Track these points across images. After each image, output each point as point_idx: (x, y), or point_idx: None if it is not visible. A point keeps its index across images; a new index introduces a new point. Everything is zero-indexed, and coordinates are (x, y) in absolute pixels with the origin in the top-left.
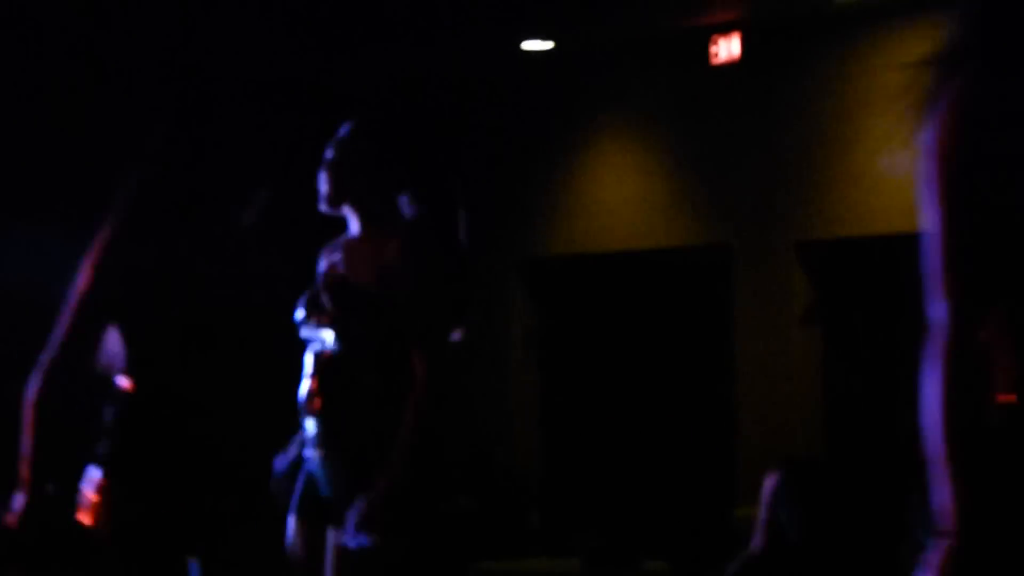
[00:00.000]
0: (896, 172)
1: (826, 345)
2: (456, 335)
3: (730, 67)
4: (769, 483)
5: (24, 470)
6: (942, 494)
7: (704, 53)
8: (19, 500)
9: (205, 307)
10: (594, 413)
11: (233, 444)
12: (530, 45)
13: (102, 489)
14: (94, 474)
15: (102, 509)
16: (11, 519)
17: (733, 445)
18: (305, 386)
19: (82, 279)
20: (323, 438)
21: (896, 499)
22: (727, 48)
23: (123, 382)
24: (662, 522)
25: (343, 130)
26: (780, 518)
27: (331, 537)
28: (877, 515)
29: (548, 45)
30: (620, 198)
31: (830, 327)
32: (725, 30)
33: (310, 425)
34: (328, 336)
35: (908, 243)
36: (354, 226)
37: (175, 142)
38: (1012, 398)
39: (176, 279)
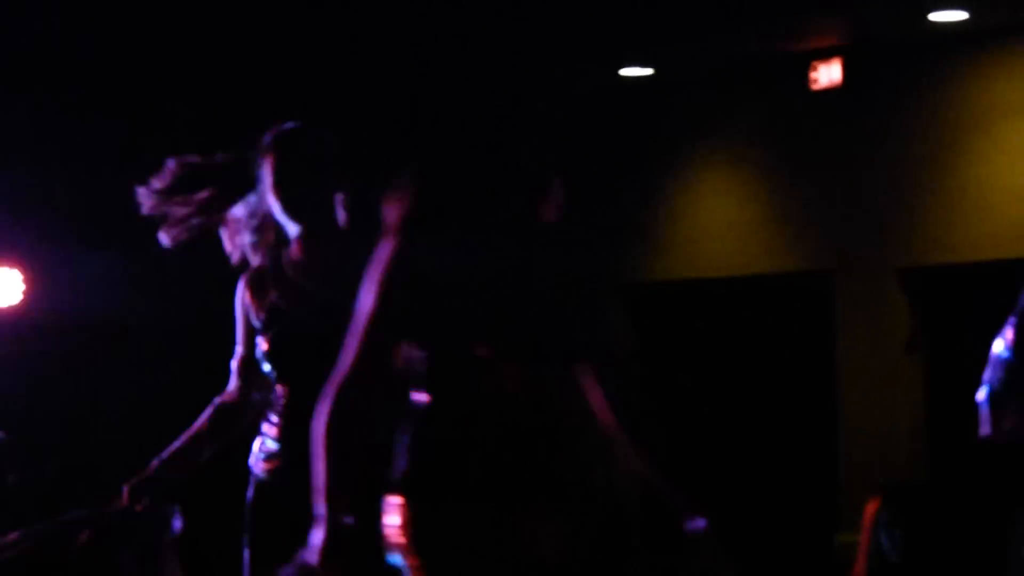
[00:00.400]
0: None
1: (931, 372)
2: None
3: (830, 91)
4: (871, 508)
5: (320, 504)
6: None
7: (804, 78)
8: (317, 536)
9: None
10: (694, 437)
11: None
12: (629, 72)
13: (404, 514)
14: (393, 501)
15: (406, 534)
16: (311, 557)
17: (835, 471)
18: None
19: (369, 297)
20: None
21: (1000, 522)
22: (827, 73)
23: (420, 397)
24: (763, 548)
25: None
26: (881, 543)
27: None
28: (980, 539)
29: (647, 72)
30: (720, 224)
31: (935, 354)
32: (825, 56)
33: None
34: None
35: (1013, 268)
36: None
37: (450, 146)
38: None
39: (468, 286)
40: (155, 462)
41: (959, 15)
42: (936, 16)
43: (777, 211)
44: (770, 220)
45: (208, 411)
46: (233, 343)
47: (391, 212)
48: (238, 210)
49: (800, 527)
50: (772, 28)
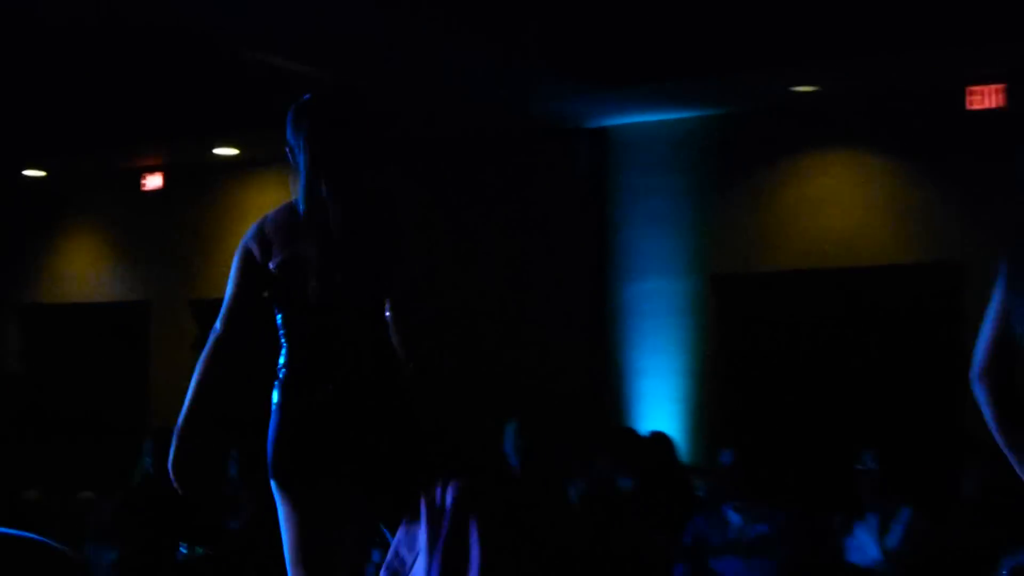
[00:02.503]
0: None
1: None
2: None
3: (155, 193)
4: None
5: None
6: None
7: (136, 184)
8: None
9: None
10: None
11: None
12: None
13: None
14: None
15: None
16: None
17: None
18: None
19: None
20: None
21: None
22: (153, 182)
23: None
24: None
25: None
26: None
27: None
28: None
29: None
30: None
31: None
32: (152, 170)
33: None
34: None
35: None
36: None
37: None
38: None
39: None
40: None
41: (233, 151)
42: None
43: None
44: None
45: None
46: None
47: None
48: None
49: None
50: (105, 143)
